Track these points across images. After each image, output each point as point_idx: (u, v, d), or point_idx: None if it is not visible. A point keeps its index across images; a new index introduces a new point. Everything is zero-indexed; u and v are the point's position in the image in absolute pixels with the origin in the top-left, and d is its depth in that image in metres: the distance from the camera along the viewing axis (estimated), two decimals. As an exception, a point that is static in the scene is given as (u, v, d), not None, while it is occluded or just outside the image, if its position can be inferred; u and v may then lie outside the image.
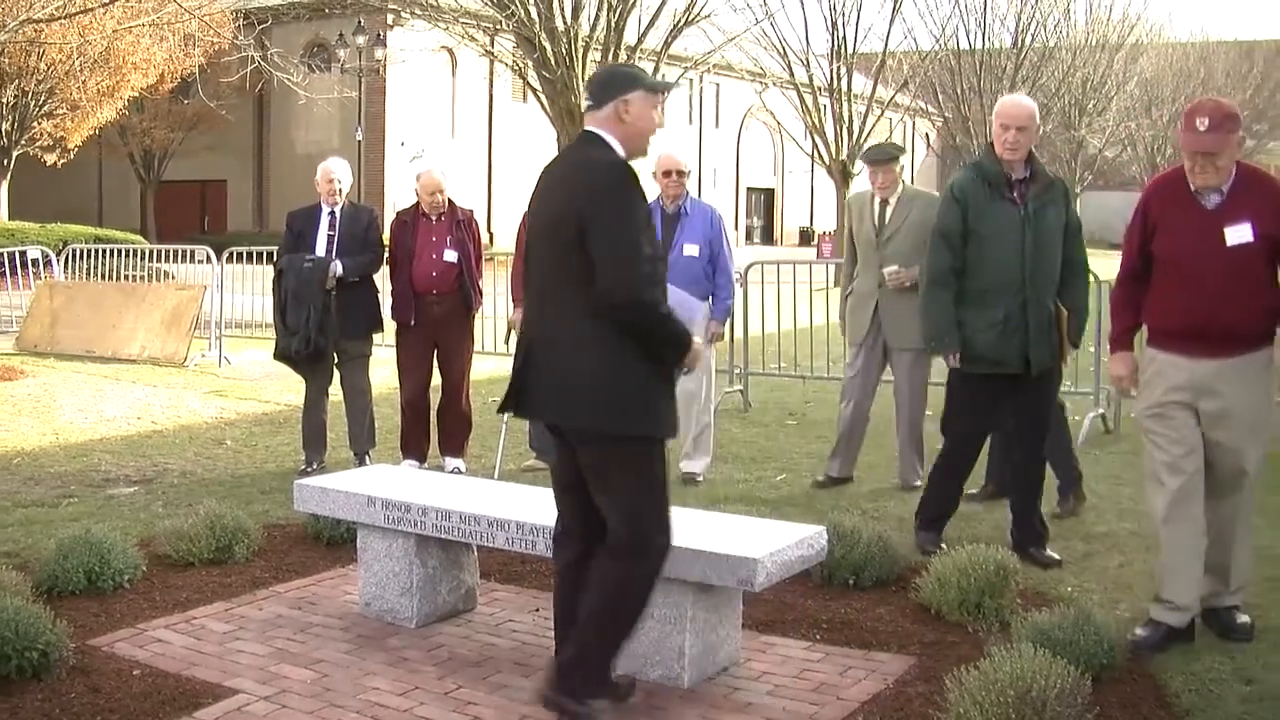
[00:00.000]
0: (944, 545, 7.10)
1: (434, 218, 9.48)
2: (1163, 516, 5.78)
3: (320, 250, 9.34)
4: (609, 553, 4.83)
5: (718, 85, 60.68)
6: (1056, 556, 7.16)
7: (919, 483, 8.95)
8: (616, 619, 4.79)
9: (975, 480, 8.98)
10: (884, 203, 8.90)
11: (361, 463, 9.34)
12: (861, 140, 37.84)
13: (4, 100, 34.21)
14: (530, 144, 44.25)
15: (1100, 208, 70.00)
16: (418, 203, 9.59)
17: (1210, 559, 5.79)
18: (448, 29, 30.14)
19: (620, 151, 4.81)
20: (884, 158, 8.95)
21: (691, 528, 5.50)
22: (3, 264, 20.62)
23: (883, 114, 41.80)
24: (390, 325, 9.84)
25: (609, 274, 4.61)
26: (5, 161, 35.79)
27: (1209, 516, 5.77)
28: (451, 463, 9.61)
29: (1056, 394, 7.57)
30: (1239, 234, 5.55)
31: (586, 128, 4.93)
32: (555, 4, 25.53)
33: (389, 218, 10.12)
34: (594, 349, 4.73)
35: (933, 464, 7.69)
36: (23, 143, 35.63)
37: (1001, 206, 6.99)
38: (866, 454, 9.42)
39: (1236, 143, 5.57)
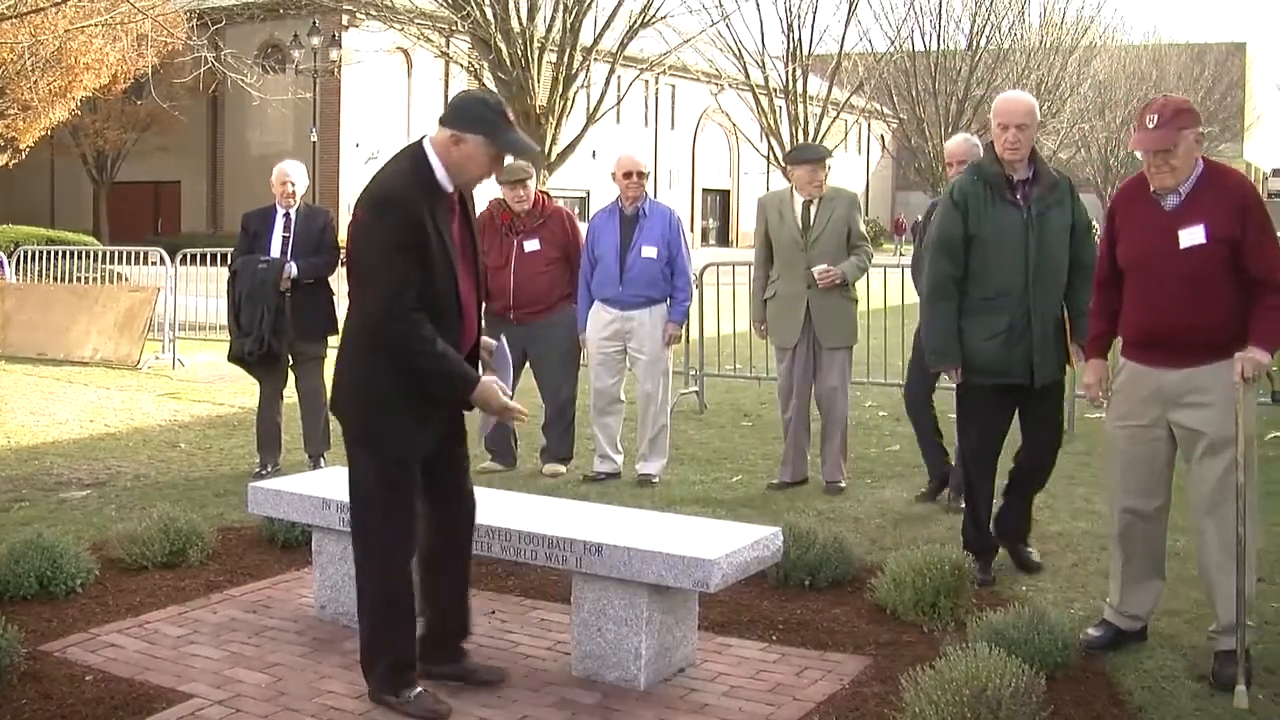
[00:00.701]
0: (992, 577, 6.81)
1: (390, 219, 9.44)
2: (1118, 533, 5.80)
3: (275, 252, 9.30)
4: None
5: (674, 87, 60.80)
6: (1037, 559, 7.09)
7: (844, 484, 8.98)
8: (364, 613, 5.08)
9: (877, 480, 9.05)
10: (807, 203, 8.89)
11: (316, 465, 9.31)
12: (819, 141, 37.98)
13: (-46, 101, 33.95)
14: (486, 145, 44.15)
15: (1054, 209, 70.56)
16: (373, 204, 9.55)
17: (1203, 582, 5.66)
18: (403, 30, 30.09)
19: (440, 173, 4.88)
20: (816, 156, 8.95)
21: (647, 529, 5.52)
22: (-47, 266, 20.43)
23: (838, 115, 42.04)
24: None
25: (361, 297, 4.91)
26: (-44, 163, 35.52)
27: (1195, 538, 5.62)
28: (407, 465, 9.55)
29: (1063, 399, 7.19)
30: (1191, 236, 5.35)
31: (425, 136, 5.01)
32: (511, 5, 25.52)
33: (344, 219, 10.11)
34: (348, 362, 5.06)
35: (961, 494, 7.39)
36: (-27, 143, 35.38)
37: (1003, 209, 6.60)
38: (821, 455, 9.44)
39: (1194, 140, 5.36)
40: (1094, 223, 7.52)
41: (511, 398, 5.26)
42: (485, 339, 5.31)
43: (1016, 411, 6.90)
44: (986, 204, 6.61)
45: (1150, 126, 5.35)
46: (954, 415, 7.45)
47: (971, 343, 6.69)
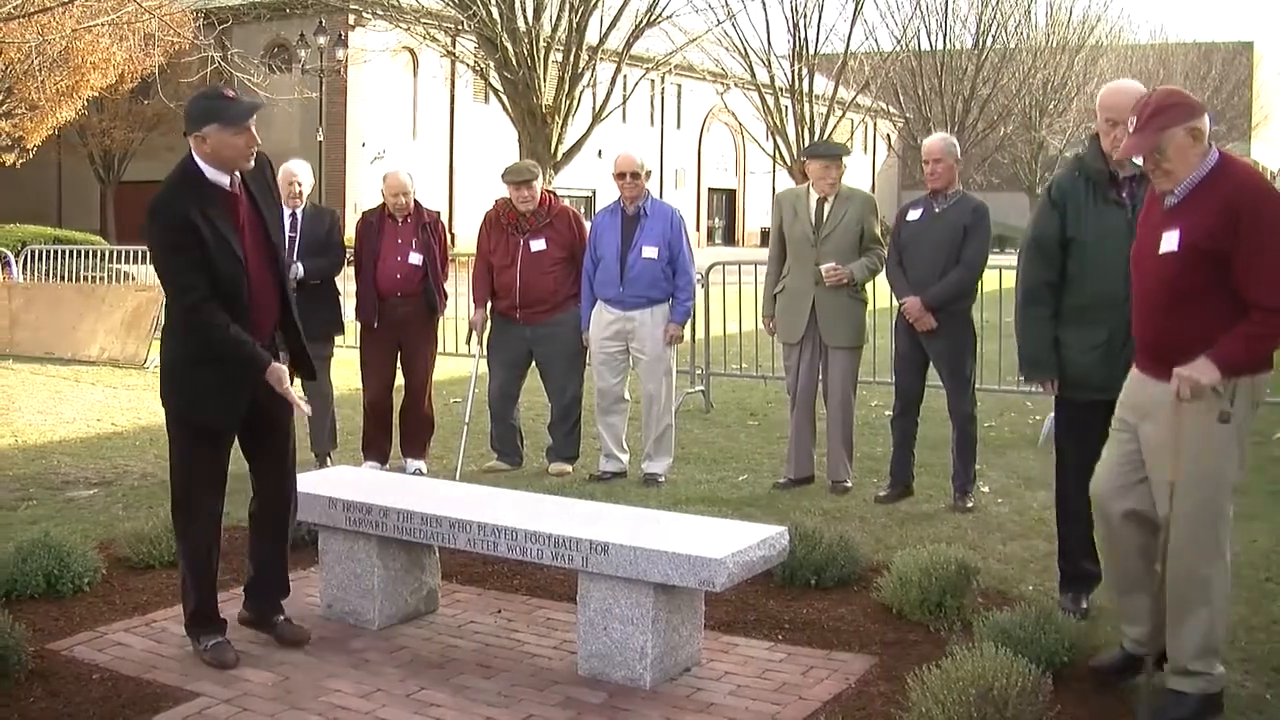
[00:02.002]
0: (1084, 609, 6.20)
1: (400, 219, 9.46)
2: (1095, 534, 5.68)
3: (281, 252, 9.30)
4: None
5: (679, 86, 60.71)
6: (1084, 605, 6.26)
7: (849, 483, 8.98)
8: (179, 563, 5.73)
9: (882, 480, 9.05)
10: (821, 200, 8.90)
11: (323, 464, 9.31)
12: (826, 140, 37.95)
13: (-39, 100, 33.97)
14: (492, 145, 44.17)
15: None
16: (384, 204, 9.57)
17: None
18: (409, 29, 30.13)
19: (209, 172, 5.42)
20: (833, 153, 8.95)
21: (653, 529, 5.52)
22: (-40, 266, 20.47)
23: (844, 115, 41.98)
24: (353, 327, 9.82)
25: (167, 295, 5.67)
26: (-38, 162, 35.54)
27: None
28: (413, 464, 9.59)
29: None
30: (1168, 242, 5.02)
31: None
32: (517, 4, 25.55)
33: (351, 219, 10.10)
34: (163, 352, 5.71)
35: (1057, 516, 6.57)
36: (-20, 143, 35.39)
37: (1105, 209, 5.98)
38: (826, 452, 9.44)
39: (1188, 134, 4.90)
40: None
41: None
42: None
43: None
44: (1088, 203, 6.03)
45: (1131, 131, 5.04)
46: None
47: (1069, 354, 6.11)
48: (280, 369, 5.50)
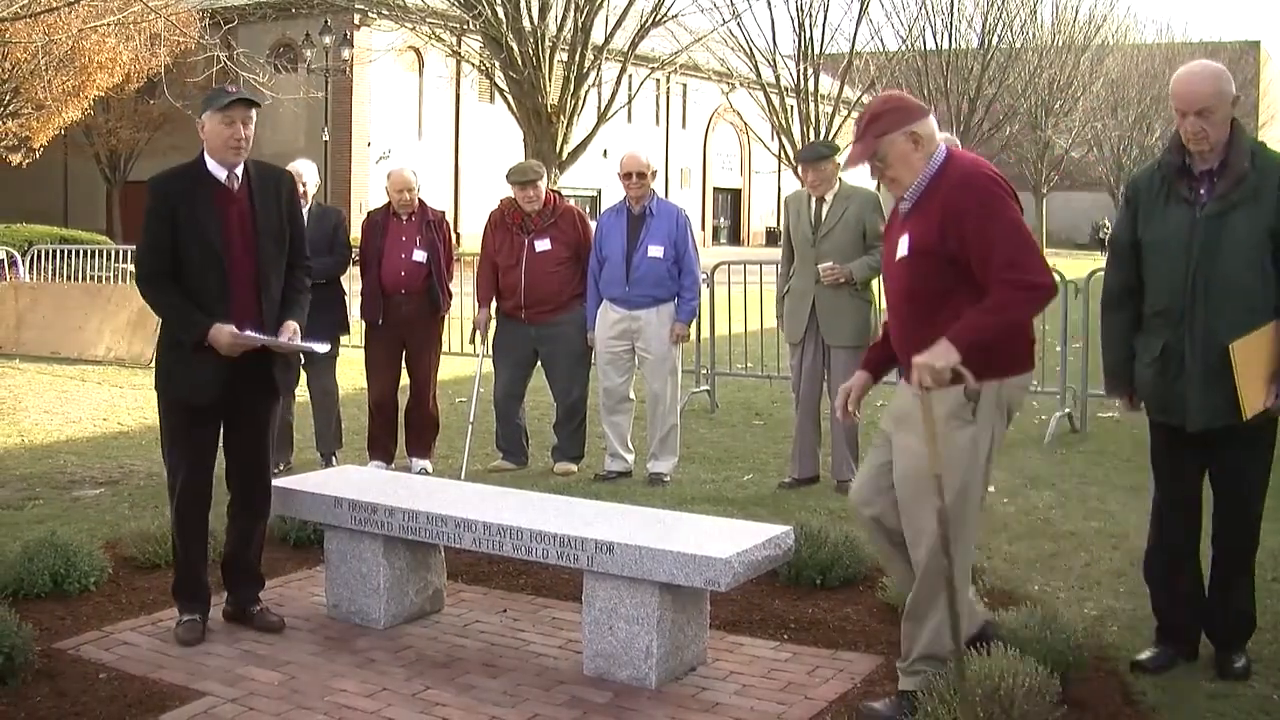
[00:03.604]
0: (1157, 662, 5.52)
1: (404, 218, 9.47)
2: None
3: (287, 251, 9.32)
4: None
5: (685, 86, 60.63)
6: (1242, 666, 5.43)
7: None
8: (175, 546, 5.99)
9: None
10: (820, 200, 8.92)
11: (328, 463, 9.32)
12: (830, 140, 37.94)
13: (-33, 100, 34.00)
14: (497, 144, 44.16)
15: (1066, 208, 70.47)
16: (389, 203, 9.59)
17: None
18: (414, 29, 30.14)
19: (210, 162, 5.79)
20: (814, 156, 8.96)
21: (658, 528, 5.52)
22: (-33, 265, 20.49)
23: (849, 114, 41.89)
24: (359, 326, 9.83)
25: None
26: (-31, 162, 35.57)
27: None
28: (418, 463, 9.59)
29: (1266, 468, 5.42)
30: (901, 248, 4.92)
31: None
32: (522, 4, 25.56)
33: (357, 218, 10.12)
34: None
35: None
36: (-13, 142, 35.43)
37: (1174, 208, 5.33)
38: (831, 452, 9.44)
39: (908, 139, 4.80)
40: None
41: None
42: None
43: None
44: (1159, 201, 5.39)
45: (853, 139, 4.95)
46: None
47: (1137, 367, 5.51)
48: (224, 330, 5.65)
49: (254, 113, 5.83)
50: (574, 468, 9.61)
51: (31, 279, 20.32)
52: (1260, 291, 5.16)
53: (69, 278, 20.67)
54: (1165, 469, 5.57)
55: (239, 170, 5.80)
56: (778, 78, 38.96)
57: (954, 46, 48.30)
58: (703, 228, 65.42)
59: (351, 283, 9.69)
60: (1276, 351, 5.15)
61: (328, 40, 38.89)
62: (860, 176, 6.89)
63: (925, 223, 4.79)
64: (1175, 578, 5.59)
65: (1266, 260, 5.15)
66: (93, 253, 21.23)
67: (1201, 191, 5.24)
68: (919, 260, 4.83)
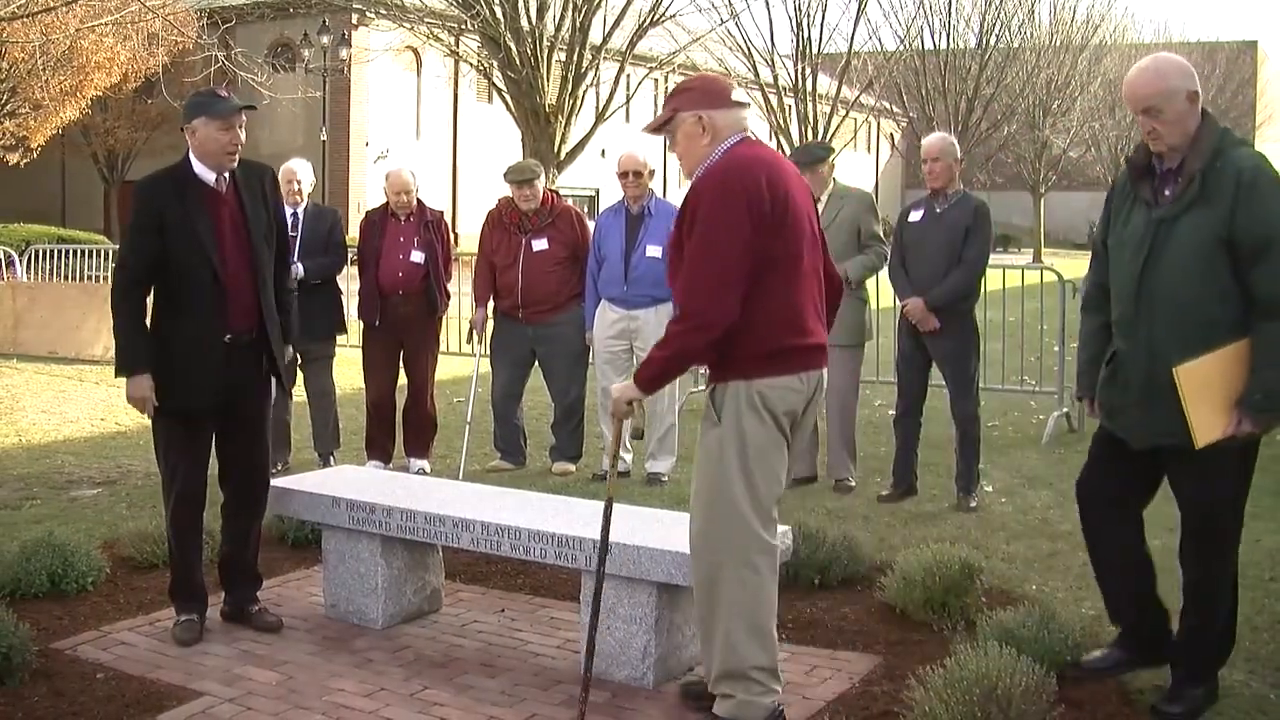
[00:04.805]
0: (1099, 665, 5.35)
1: (402, 218, 9.47)
2: None
3: (283, 251, 9.32)
4: None
5: (683, 85, 60.61)
6: (1178, 711, 5.02)
7: (852, 482, 8.98)
8: (171, 546, 5.95)
9: (886, 479, 9.04)
10: (814, 201, 8.89)
11: (326, 463, 9.32)
12: (828, 140, 37.92)
13: (-35, 99, 33.99)
14: (495, 145, 44.10)
15: (1064, 208, 70.47)
16: (387, 203, 9.59)
17: None
18: (412, 29, 30.10)
19: (197, 166, 5.76)
20: (809, 160, 8.92)
21: (655, 528, 5.51)
22: (-36, 265, 20.50)
23: (847, 114, 41.95)
24: (356, 326, 9.83)
25: None
26: (-33, 162, 35.56)
27: None
28: (416, 463, 9.59)
29: (1228, 487, 4.98)
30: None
31: None
32: (520, 4, 25.52)
33: (355, 218, 10.11)
34: None
35: None
36: (-15, 142, 35.41)
37: (1136, 210, 5.01)
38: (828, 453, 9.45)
39: (695, 123, 4.74)
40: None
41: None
42: None
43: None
44: (1126, 202, 5.10)
45: None
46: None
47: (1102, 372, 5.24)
48: (139, 385, 5.66)
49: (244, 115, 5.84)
50: (572, 467, 9.61)
51: (29, 278, 20.32)
52: (1208, 305, 4.74)
53: (66, 277, 20.69)
54: (1099, 473, 5.34)
55: (225, 172, 5.81)
56: (775, 77, 38.92)
57: (952, 46, 48.25)
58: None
59: (349, 282, 9.69)
60: (1234, 376, 4.72)
61: (325, 40, 38.86)
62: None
63: (679, 215, 4.75)
64: (1107, 578, 5.41)
65: (1221, 271, 4.71)
66: (90, 252, 21.26)
67: (1166, 193, 4.91)
68: (670, 253, 4.81)
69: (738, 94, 4.86)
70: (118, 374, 5.73)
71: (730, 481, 4.65)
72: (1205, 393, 4.72)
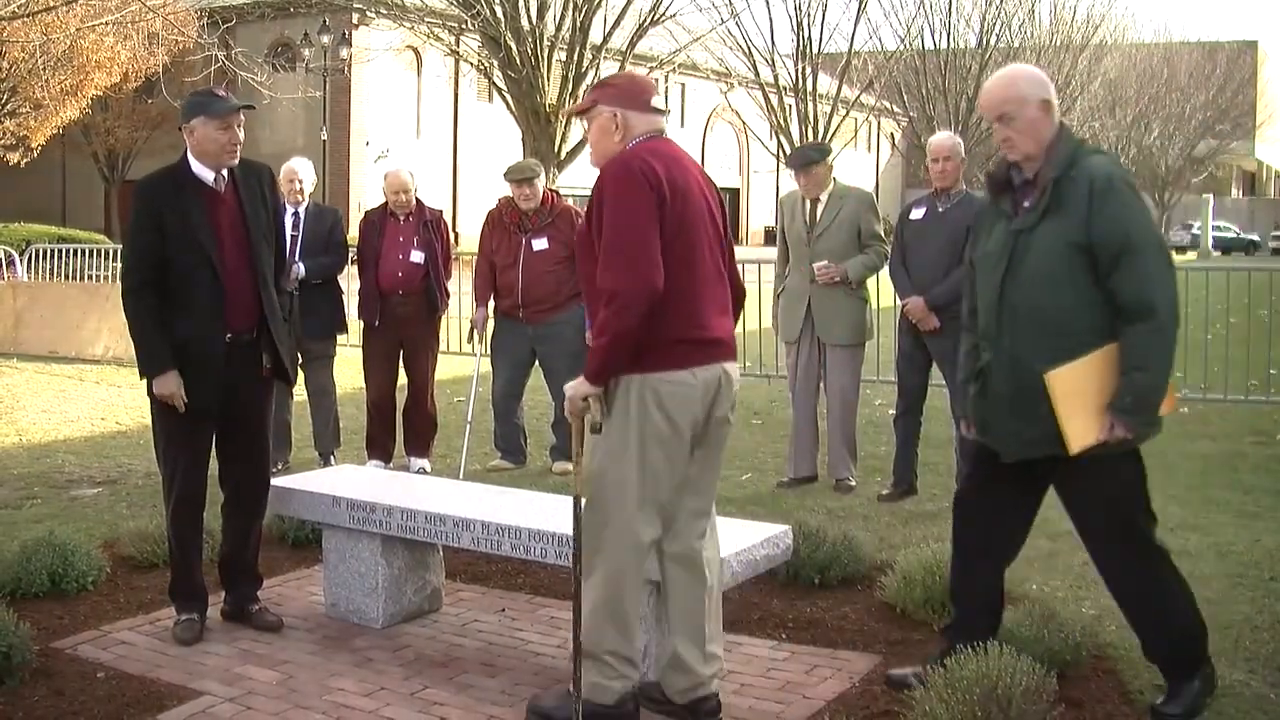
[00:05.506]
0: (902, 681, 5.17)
1: (402, 218, 9.47)
2: None
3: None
4: None
5: (683, 85, 60.65)
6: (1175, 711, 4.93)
7: (852, 481, 8.99)
8: (171, 546, 5.96)
9: (886, 479, 9.05)
10: (814, 200, 8.93)
11: (326, 463, 9.32)
12: (828, 140, 37.90)
13: (-35, 99, 34.01)
14: (496, 144, 44.15)
15: (1064, 207, 70.42)
16: (386, 203, 9.58)
17: None
18: (413, 28, 30.15)
19: (195, 165, 5.75)
20: (803, 162, 8.95)
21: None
22: (-35, 264, 20.50)
23: (848, 114, 41.96)
24: (356, 325, 9.83)
25: None
26: (-33, 161, 35.58)
27: None
28: (417, 463, 9.59)
29: (1116, 475, 4.89)
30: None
31: None
32: (521, 3, 25.54)
33: (355, 218, 10.12)
34: None
35: None
36: (-14, 141, 35.43)
37: (998, 223, 4.99)
38: (828, 452, 9.45)
39: (609, 119, 4.83)
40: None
41: None
42: None
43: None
44: (989, 215, 5.12)
45: None
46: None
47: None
48: (166, 384, 5.65)
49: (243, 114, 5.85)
50: (572, 467, 9.60)
51: (29, 278, 20.32)
52: (1068, 314, 4.72)
53: (67, 277, 20.69)
54: (973, 483, 5.36)
55: (224, 171, 5.80)
56: (776, 77, 38.96)
57: (952, 46, 48.21)
58: (701, 227, 65.28)
59: (349, 282, 9.69)
60: (1105, 381, 4.67)
61: (326, 39, 38.87)
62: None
63: (587, 209, 4.80)
64: (960, 580, 5.40)
65: (1080, 279, 4.69)
66: (91, 252, 21.25)
67: (1026, 204, 4.88)
68: (580, 243, 4.88)
69: (657, 100, 4.92)
70: (142, 376, 5.72)
71: (613, 471, 4.71)
72: (1076, 399, 4.69)
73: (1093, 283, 4.69)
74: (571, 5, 26.27)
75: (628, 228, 4.57)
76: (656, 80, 34.43)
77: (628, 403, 4.66)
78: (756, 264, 14.69)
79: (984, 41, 48.33)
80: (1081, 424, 4.69)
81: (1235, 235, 69.62)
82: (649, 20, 28.57)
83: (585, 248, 4.78)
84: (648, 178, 4.60)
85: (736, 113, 49.43)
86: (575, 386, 4.67)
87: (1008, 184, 5.00)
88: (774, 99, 38.95)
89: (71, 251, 21.02)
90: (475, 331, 9.72)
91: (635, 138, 4.80)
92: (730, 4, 35.46)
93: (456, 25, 28.17)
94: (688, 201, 4.72)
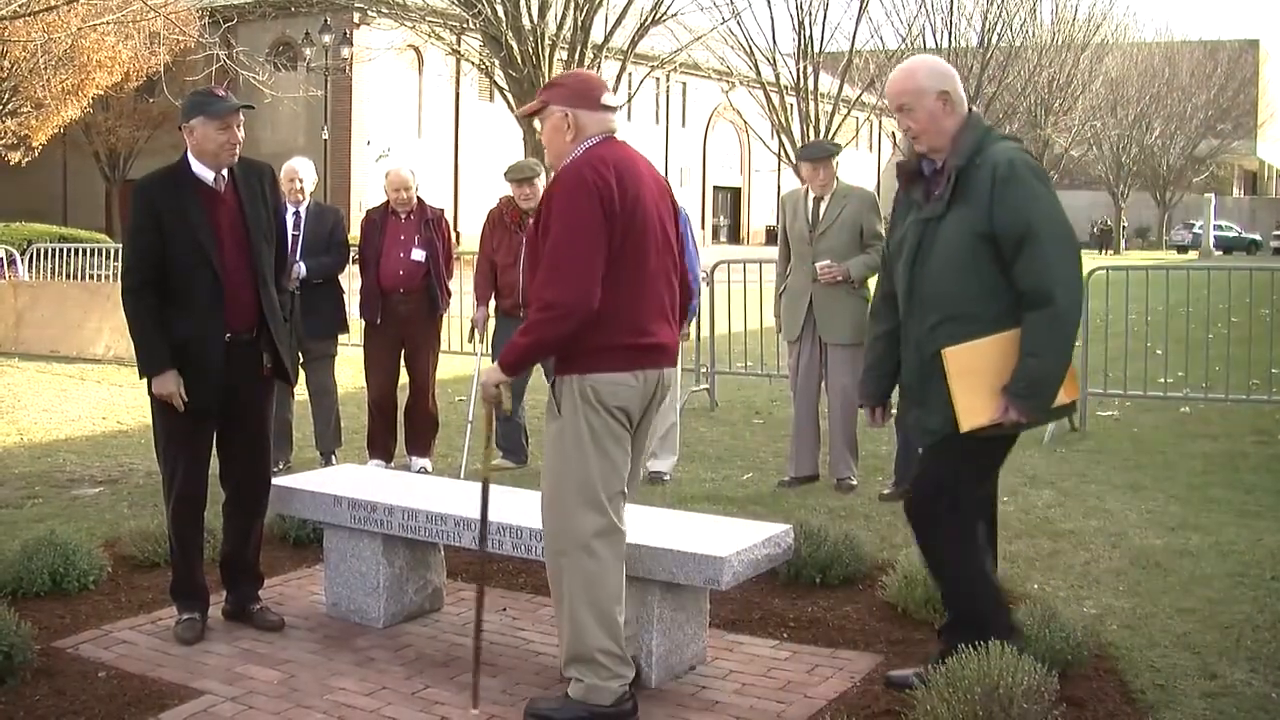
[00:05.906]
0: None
1: (403, 216, 9.46)
2: None
3: (284, 250, 9.32)
4: None
5: (684, 84, 60.69)
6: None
7: (853, 480, 8.98)
8: (172, 546, 5.95)
9: (887, 478, 9.05)
10: (817, 199, 8.93)
11: (328, 462, 9.32)
12: (830, 139, 37.86)
13: (-33, 98, 34.02)
14: (497, 143, 44.20)
15: (1066, 207, 70.34)
16: (387, 201, 9.58)
17: None
18: (414, 28, 30.13)
19: (195, 165, 5.75)
20: (822, 155, 8.95)
21: (658, 527, 5.51)
22: (-34, 264, 20.50)
23: (849, 113, 41.90)
24: (358, 324, 9.83)
25: None
26: (-31, 160, 35.60)
27: None
28: (418, 462, 9.59)
29: (963, 471, 4.98)
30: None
31: None
32: (522, 3, 25.54)
33: (356, 217, 10.12)
34: None
35: None
36: (-13, 141, 35.45)
37: (910, 212, 5.09)
38: (829, 451, 9.44)
39: (562, 119, 4.85)
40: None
41: None
42: None
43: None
44: (902, 205, 5.20)
45: None
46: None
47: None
48: (165, 383, 5.65)
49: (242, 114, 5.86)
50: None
51: (31, 277, 20.31)
52: (972, 302, 4.79)
53: (68, 276, 20.68)
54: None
55: (224, 171, 5.81)
56: (777, 76, 38.88)
57: (953, 45, 48.16)
58: (702, 226, 65.44)
59: (350, 281, 9.69)
60: (1004, 364, 4.72)
61: (327, 39, 38.92)
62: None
63: (537, 211, 4.85)
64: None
65: (984, 267, 4.76)
66: (92, 251, 21.23)
67: (935, 193, 4.95)
68: (527, 250, 4.94)
69: (608, 98, 4.96)
70: (142, 376, 5.72)
71: (568, 471, 4.80)
72: (971, 378, 4.76)
73: (999, 271, 4.77)
74: (573, 4, 26.28)
75: (572, 244, 4.64)
76: (657, 80, 34.43)
77: (573, 403, 4.79)
78: (758, 263, 14.68)
79: (985, 41, 48.30)
80: (974, 402, 4.76)
81: (1237, 234, 69.71)
82: (650, 19, 28.58)
83: (532, 249, 4.84)
84: (599, 190, 4.67)
85: (738, 112, 49.38)
86: (489, 374, 4.89)
87: (918, 173, 5.09)
88: (775, 98, 38.89)
89: (72, 251, 21.02)
90: (476, 331, 9.71)
91: (588, 137, 4.86)
92: (731, 3, 35.39)
93: (458, 24, 28.18)
94: (638, 206, 4.79)
